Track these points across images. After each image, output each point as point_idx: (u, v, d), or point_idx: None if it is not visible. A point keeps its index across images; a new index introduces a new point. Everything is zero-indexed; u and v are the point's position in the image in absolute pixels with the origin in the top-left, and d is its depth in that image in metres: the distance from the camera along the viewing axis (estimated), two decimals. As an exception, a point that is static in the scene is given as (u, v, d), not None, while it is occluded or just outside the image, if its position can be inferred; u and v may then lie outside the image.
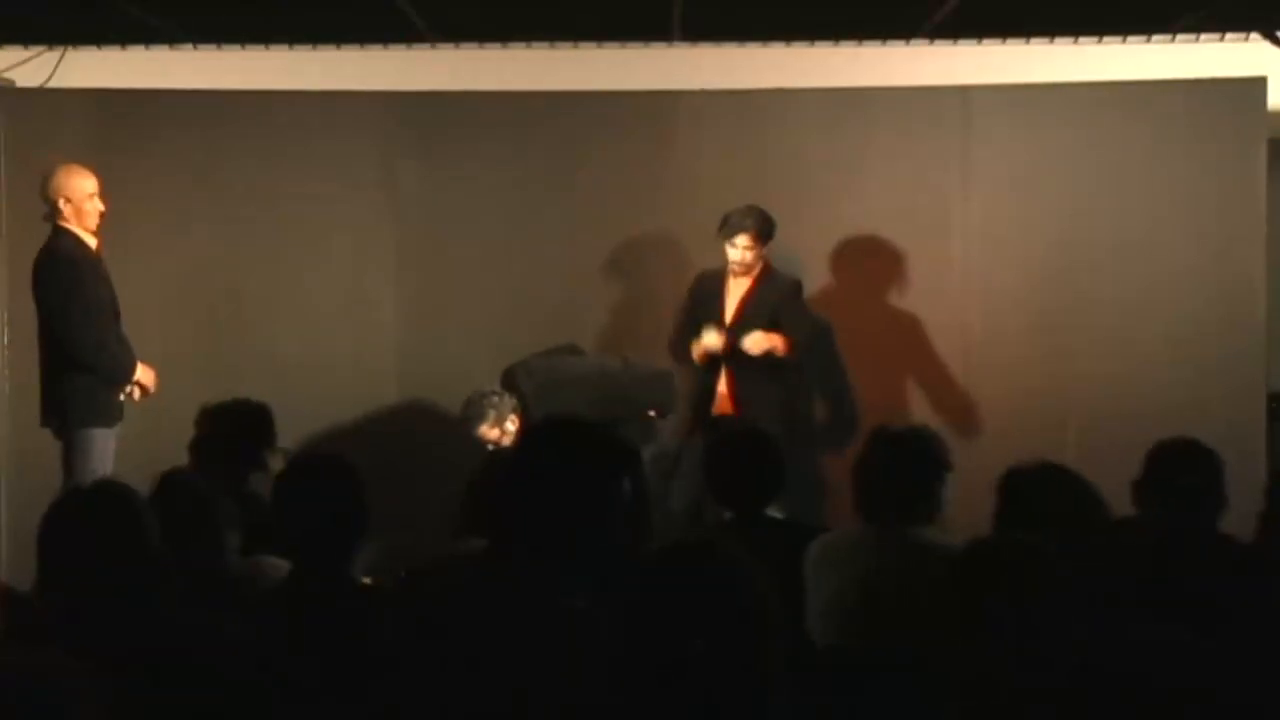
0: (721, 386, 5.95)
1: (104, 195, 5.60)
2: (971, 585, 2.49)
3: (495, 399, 5.80)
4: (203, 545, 3.34)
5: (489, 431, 5.76)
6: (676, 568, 2.02)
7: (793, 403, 6.00)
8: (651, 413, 6.01)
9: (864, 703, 2.87)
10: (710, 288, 6.02)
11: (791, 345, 5.85)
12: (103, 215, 5.57)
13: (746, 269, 5.94)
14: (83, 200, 5.49)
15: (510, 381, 5.94)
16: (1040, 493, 3.25)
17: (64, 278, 5.47)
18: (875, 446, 3.67)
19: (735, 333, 5.90)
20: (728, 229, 5.90)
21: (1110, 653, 2.34)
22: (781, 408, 5.88)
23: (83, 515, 2.58)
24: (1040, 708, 2.24)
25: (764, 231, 5.91)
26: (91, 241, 5.56)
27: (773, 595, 2.00)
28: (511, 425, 5.78)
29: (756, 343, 5.82)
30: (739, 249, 5.90)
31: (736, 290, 6.00)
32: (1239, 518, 3.73)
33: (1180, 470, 3.67)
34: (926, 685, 2.59)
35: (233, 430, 4.38)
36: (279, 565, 3.33)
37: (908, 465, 3.58)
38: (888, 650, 3.04)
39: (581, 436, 2.55)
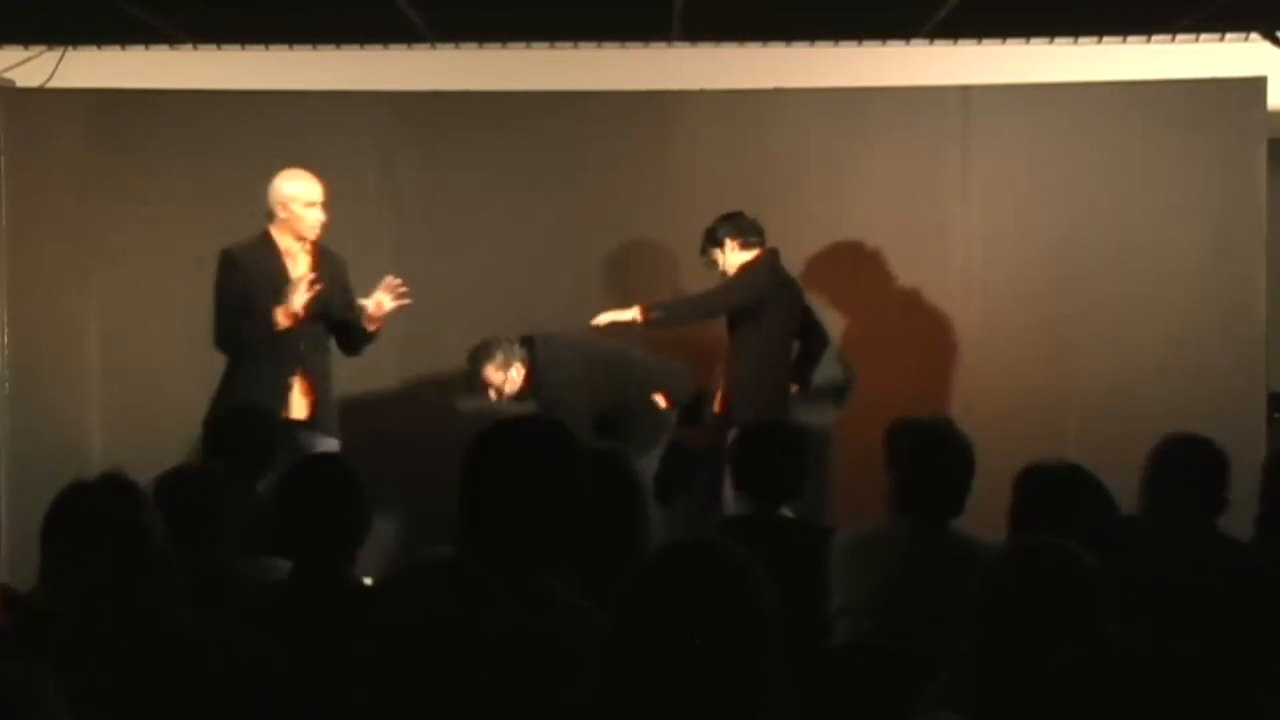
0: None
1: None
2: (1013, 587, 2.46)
3: (505, 345, 5.81)
4: (204, 542, 3.34)
5: (494, 374, 5.79)
6: (676, 566, 2.02)
7: (773, 384, 5.90)
8: (660, 399, 6.00)
9: (888, 700, 2.87)
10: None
11: (646, 312, 5.76)
12: (322, 225, 5.36)
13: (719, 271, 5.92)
14: (277, 205, 5.33)
15: (528, 346, 5.94)
16: (1057, 491, 3.25)
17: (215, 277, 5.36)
18: (912, 440, 3.62)
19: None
20: (740, 248, 5.87)
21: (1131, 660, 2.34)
22: (762, 393, 5.80)
23: (86, 510, 2.58)
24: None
25: (705, 242, 5.88)
26: (285, 243, 5.35)
27: (774, 593, 1.99)
28: (517, 374, 5.82)
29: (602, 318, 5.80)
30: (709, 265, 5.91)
31: None
32: (1239, 518, 3.73)
33: (1182, 470, 3.65)
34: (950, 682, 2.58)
35: (239, 432, 4.36)
36: (281, 567, 3.33)
37: (949, 459, 3.55)
38: (918, 647, 3.02)
39: (531, 433, 2.56)
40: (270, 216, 5.36)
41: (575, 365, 5.88)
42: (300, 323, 5.24)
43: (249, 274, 5.29)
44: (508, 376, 5.82)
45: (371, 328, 5.42)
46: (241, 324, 5.26)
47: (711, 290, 5.91)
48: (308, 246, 5.41)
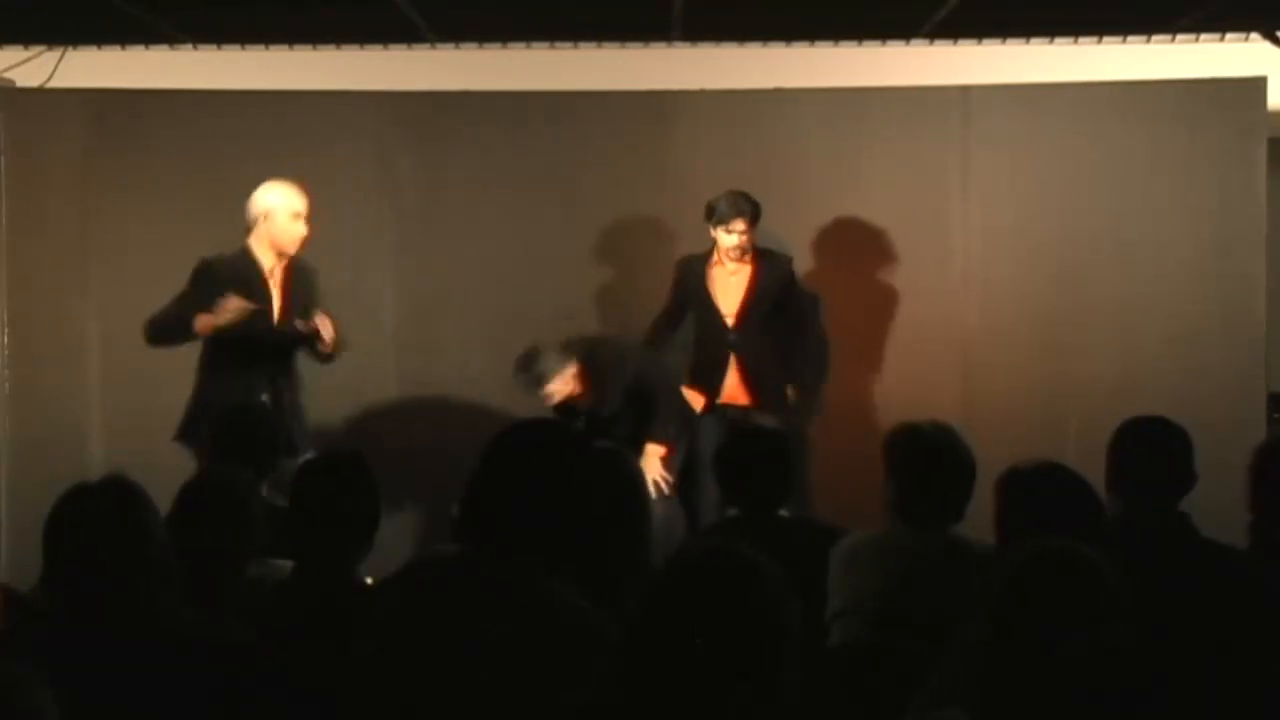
0: (731, 375, 5.91)
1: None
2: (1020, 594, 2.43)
3: (553, 351, 5.61)
4: (234, 547, 3.32)
5: (554, 385, 5.58)
6: (701, 573, 2.02)
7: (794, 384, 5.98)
8: (696, 396, 5.95)
9: (887, 702, 2.87)
10: (697, 274, 5.92)
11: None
12: (302, 239, 5.29)
13: (742, 254, 5.86)
14: (260, 215, 5.27)
15: (581, 349, 5.78)
16: (1039, 493, 3.23)
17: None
18: (914, 448, 3.59)
19: (743, 323, 5.86)
20: (722, 215, 5.81)
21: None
22: (787, 391, 5.90)
23: (88, 512, 2.58)
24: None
25: (757, 215, 5.84)
26: (263, 256, 5.30)
27: (795, 601, 2.00)
28: (571, 374, 5.62)
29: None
30: (736, 234, 5.81)
31: (735, 279, 5.90)
32: (1239, 520, 3.72)
33: (1141, 453, 3.63)
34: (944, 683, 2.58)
35: (243, 435, 4.31)
36: (281, 566, 3.33)
37: (951, 468, 3.53)
38: (918, 650, 3.02)
39: (538, 436, 2.56)
40: (250, 228, 5.29)
41: (628, 366, 5.77)
42: (268, 338, 5.23)
43: (223, 287, 5.19)
44: (565, 378, 5.61)
45: (326, 350, 5.36)
46: (167, 319, 5.23)
47: (799, 302, 5.95)
48: (285, 260, 5.35)
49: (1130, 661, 2.26)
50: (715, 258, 5.92)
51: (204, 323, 5.13)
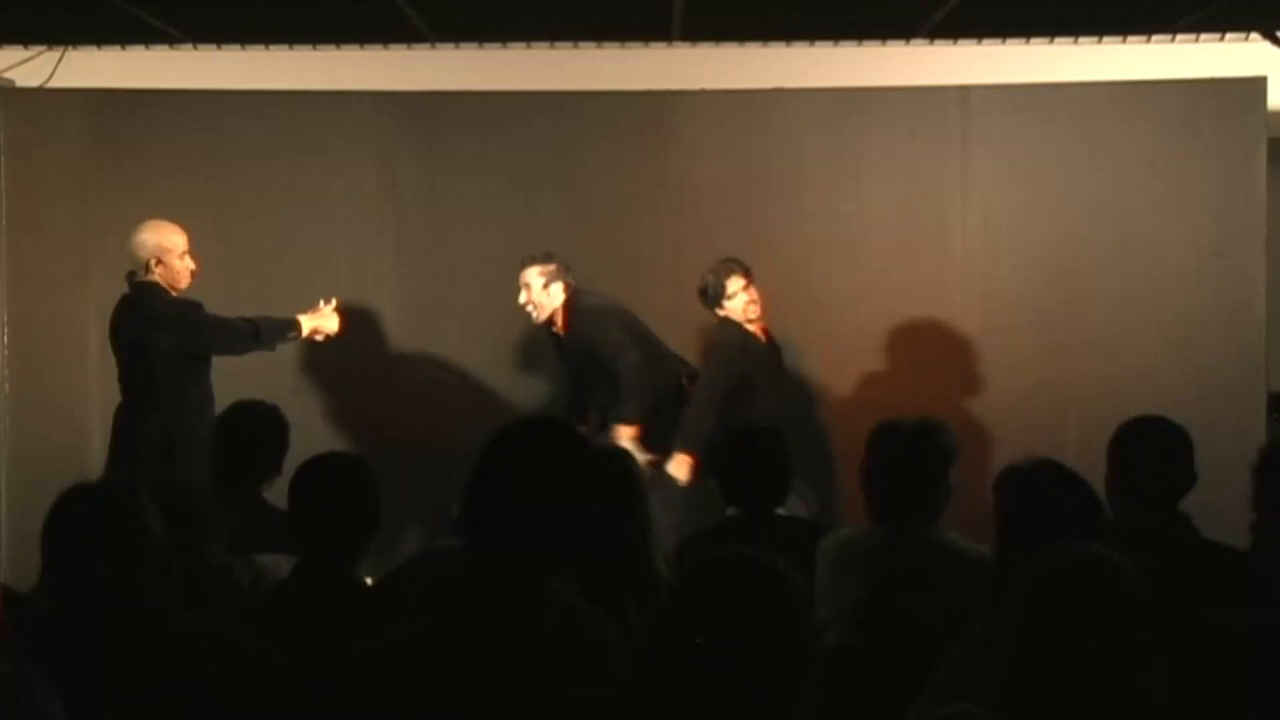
0: None
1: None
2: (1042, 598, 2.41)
3: (561, 263, 5.80)
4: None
5: (535, 278, 5.77)
6: (719, 575, 2.03)
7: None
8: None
9: (882, 701, 2.87)
10: (757, 348, 5.88)
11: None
12: (194, 273, 5.39)
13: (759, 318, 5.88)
14: (161, 253, 5.30)
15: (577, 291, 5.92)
16: (1037, 492, 3.22)
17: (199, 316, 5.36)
18: (884, 444, 3.57)
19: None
20: (742, 275, 5.80)
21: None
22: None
23: (87, 512, 2.58)
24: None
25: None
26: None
27: (810, 608, 2.01)
28: (556, 293, 5.79)
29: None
30: (750, 291, 5.83)
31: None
32: (1239, 520, 3.72)
33: (1141, 453, 3.63)
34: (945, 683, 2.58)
35: (248, 435, 4.29)
36: (280, 563, 3.33)
37: (917, 463, 3.50)
38: (909, 649, 3.02)
39: (542, 436, 2.56)
40: (145, 269, 5.30)
41: (615, 329, 5.83)
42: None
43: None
44: (548, 290, 5.80)
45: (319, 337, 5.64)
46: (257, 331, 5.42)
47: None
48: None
49: (1150, 664, 2.27)
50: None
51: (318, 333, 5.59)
